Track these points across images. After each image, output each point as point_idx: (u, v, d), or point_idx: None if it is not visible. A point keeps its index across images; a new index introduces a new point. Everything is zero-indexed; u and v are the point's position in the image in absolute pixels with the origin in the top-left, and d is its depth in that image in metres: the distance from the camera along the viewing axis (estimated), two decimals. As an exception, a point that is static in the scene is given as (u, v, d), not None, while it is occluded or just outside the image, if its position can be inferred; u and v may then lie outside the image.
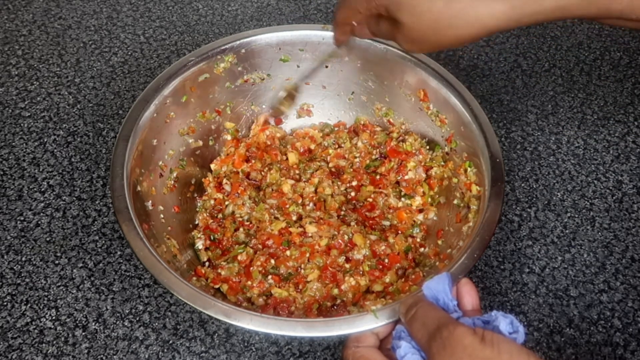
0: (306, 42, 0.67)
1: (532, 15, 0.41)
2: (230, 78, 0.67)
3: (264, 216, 0.62)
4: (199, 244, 0.61)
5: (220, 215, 0.64)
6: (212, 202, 0.65)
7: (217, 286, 0.58)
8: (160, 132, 0.62)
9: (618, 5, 0.40)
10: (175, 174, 0.64)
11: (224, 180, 0.66)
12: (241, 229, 0.62)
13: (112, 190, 0.54)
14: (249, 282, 0.57)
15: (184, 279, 0.50)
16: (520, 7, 0.40)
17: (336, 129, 0.72)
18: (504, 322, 0.40)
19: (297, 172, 0.67)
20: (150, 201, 0.59)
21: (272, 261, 0.58)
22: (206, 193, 0.66)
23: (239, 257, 0.59)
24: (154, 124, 0.61)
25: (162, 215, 0.59)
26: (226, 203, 0.65)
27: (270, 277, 0.58)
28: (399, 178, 0.65)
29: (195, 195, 0.66)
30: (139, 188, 0.57)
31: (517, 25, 0.42)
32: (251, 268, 0.58)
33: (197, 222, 0.64)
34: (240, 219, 0.63)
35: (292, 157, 0.68)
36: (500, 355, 0.37)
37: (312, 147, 0.70)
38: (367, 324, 0.46)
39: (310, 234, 0.60)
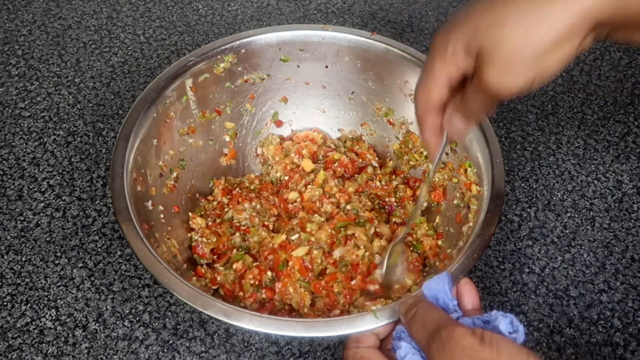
0: (306, 42, 0.67)
1: (622, 7, 0.36)
2: (230, 78, 0.67)
3: (263, 234, 0.62)
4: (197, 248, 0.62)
5: (218, 220, 0.64)
6: (215, 203, 0.65)
7: (215, 287, 0.58)
8: (160, 132, 0.62)
9: None
10: (175, 174, 0.64)
11: (237, 189, 0.67)
12: (237, 234, 0.62)
13: (112, 190, 0.54)
14: (241, 293, 0.57)
15: (184, 279, 0.50)
16: None
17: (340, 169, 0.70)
18: (504, 321, 0.40)
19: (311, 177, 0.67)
20: (150, 201, 0.58)
21: (269, 274, 0.58)
22: (213, 194, 0.66)
23: (234, 266, 0.59)
24: (154, 124, 0.61)
25: (162, 215, 0.59)
26: (226, 209, 0.65)
27: (264, 290, 0.58)
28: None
29: (198, 195, 0.66)
30: (139, 188, 0.57)
31: (612, 22, 0.37)
32: (243, 281, 0.58)
33: (190, 224, 0.64)
34: (238, 224, 0.63)
35: (308, 164, 0.68)
36: (500, 355, 0.37)
37: (314, 149, 0.70)
38: (367, 324, 0.46)
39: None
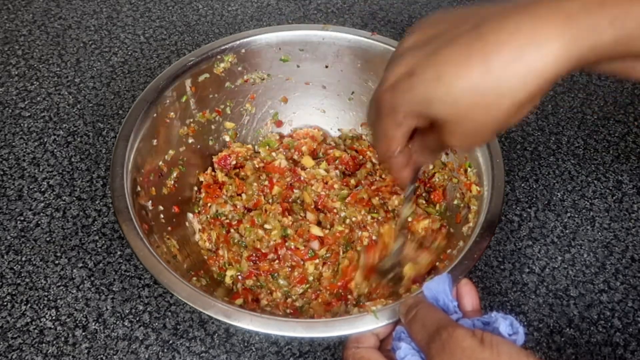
0: (306, 42, 0.67)
1: (592, 49, 0.31)
2: (230, 78, 0.67)
3: (257, 232, 0.62)
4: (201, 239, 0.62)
5: (207, 217, 0.64)
6: (201, 202, 0.66)
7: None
8: (160, 132, 0.62)
9: None
10: (175, 174, 0.64)
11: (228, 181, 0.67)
12: (232, 230, 0.62)
13: (112, 190, 0.54)
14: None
15: (184, 279, 0.50)
16: (577, 43, 0.31)
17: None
18: (504, 323, 0.40)
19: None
20: (150, 201, 0.59)
21: (282, 282, 0.59)
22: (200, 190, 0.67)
23: (227, 277, 0.59)
24: (153, 124, 0.61)
25: (162, 215, 0.59)
26: (209, 205, 0.65)
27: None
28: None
29: (195, 189, 0.66)
30: (139, 188, 0.57)
31: (581, 65, 0.32)
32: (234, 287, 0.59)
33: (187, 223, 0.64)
34: (227, 220, 0.63)
35: (308, 161, 0.68)
36: (500, 357, 0.37)
37: (314, 146, 0.70)
38: (367, 324, 0.46)
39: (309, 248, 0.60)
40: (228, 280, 0.60)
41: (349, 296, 0.58)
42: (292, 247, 0.60)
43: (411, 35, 0.38)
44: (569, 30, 0.30)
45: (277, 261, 0.60)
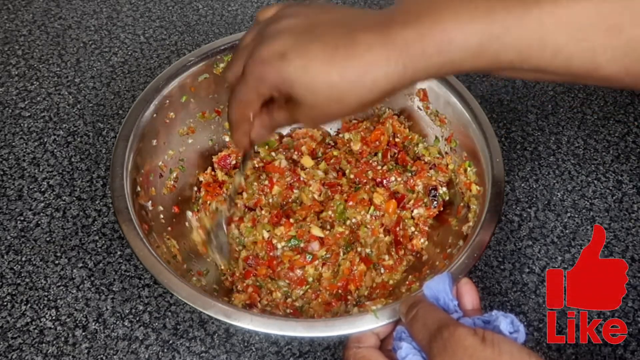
0: None
1: (424, 71, 0.39)
2: (230, 78, 0.67)
3: (256, 234, 0.62)
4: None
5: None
6: (200, 201, 0.65)
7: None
8: (160, 132, 0.62)
9: (506, 56, 0.38)
10: (175, 174, 0.64)
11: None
12: (233, 225, 0.62)
13: (112, 190, 0.54)
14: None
15: (184, 279, 0.50)
16: (411, 66, 0.38)
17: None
18: (505, 321, 0.40)
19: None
20: (150, 201, 0.59)
21: (282, 283, 0.59)
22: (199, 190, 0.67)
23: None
24: (153, 124, 0.61)
25: (162, 216, 0.59)
26: (208, 202, 0.65)
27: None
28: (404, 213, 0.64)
29: (195, 189, 0.66)
30: (138, 188, 0.57)
31: (414, 82, 0.40)
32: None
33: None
34: (228, 215, 0.63)
35: (307, 161, 0.67)
36: (501, 355, 0.37)
37: (314, 145, 0.70)
38: (368, 324, 0.46)
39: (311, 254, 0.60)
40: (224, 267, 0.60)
41: (349, 297, 0.58)
42: (287, 265, 0.59)
43: (292, 9, 0.44)
44: (406, 54, 0.38)
45: (273, 273, 0.60)
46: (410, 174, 0.64)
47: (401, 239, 0.62)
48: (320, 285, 0.59)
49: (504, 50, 0.37)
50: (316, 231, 0.60)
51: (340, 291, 0.58)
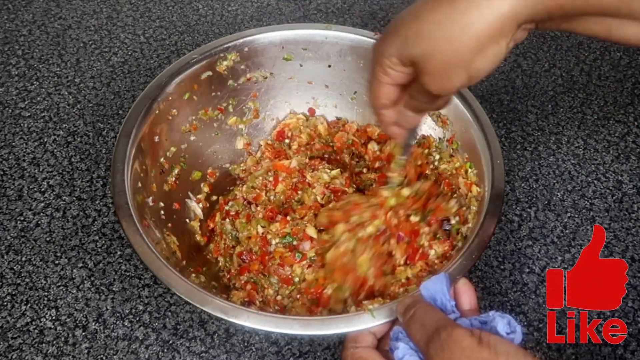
0: (309, 41, 0.67)
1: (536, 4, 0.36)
2: (233, 76, 0.67)
3: (250, 230, 0.62)
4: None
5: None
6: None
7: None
8: (162, 129, 0.62)
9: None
10: (176, 171, 0.64)
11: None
12: (227, 220, 0.62)
13: (113, 186, 0.54)
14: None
15: (183, 275, 0.50)
16: None
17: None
18: (502, 322, 0.40)
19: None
20: (151, 197, 0.59)
21: (274, 280, 0.59)
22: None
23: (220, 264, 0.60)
24: (156, 121, 0.61)
25: (162, 212, 0.59)
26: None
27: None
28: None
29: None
30: (139, 184, 0.57)
31: (544, 15, 0.37)
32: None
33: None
34: (227, 208, 0.63)
35: (294, 161, 0.67)
36: (498, 356, 0.37)
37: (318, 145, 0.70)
38: (365, 322, 0.46)
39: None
40: (221, 264, 0.61)
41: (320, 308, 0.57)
42: (278, 261, 0.59)
43: None
44: None
45: (264, 268, 0.60)
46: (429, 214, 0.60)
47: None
48: (301, 287, 0.58)
49: None
50: (310, 231, 0.60)
51: (315, 297, 0.57)
